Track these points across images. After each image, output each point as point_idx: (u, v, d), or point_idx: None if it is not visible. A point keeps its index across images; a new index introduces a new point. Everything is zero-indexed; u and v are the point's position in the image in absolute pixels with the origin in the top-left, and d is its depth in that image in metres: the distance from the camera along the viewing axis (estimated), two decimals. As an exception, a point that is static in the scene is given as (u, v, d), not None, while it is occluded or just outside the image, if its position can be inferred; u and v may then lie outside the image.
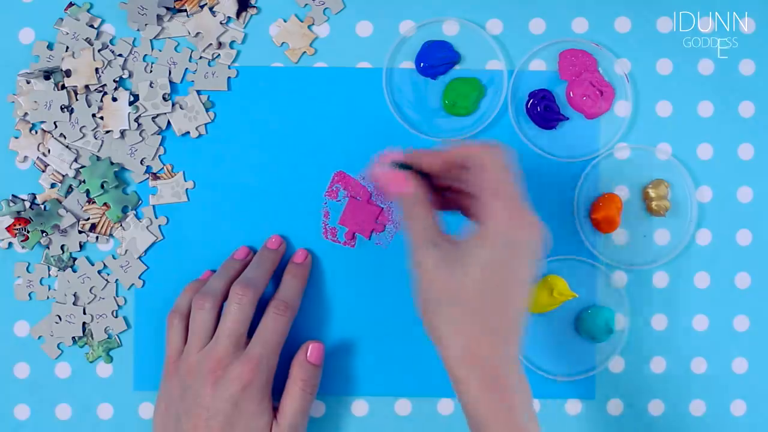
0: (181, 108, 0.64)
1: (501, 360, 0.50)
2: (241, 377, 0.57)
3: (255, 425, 0.58)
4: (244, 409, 0.57)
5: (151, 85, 0.64)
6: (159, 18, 0.64)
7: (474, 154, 0.52)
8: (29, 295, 0.64)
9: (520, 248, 0.50)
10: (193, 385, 0.58)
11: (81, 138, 0.63)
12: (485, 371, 0.50)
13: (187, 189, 0.64)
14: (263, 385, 0.58)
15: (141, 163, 0.64)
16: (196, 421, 0.57)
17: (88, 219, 0.64)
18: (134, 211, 0.64)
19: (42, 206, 0.64)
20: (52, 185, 0.64)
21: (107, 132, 0.64)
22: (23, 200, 0.64)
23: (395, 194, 0.53)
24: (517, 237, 0.50)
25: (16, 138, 0.64)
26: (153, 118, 0.64)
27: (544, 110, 0.64)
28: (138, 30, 0.64)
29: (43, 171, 0.64)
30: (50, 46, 0.64)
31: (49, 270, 0.64)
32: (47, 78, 0.63)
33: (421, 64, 0.64)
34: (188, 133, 0.64)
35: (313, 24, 0.64)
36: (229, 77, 0.64)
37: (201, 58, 0.64)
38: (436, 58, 0.64)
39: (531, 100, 0.64)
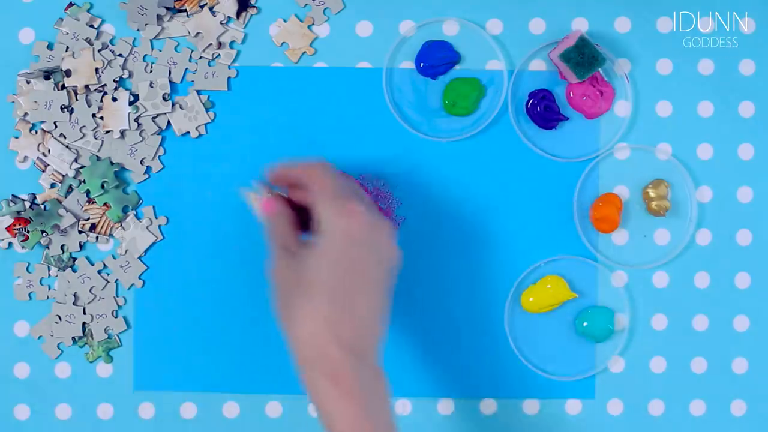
0: (181, 108, 0.64)
1: (344, 352, 0.51)
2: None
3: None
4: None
5: (151, 85, 0.64)
6: (159, 18, 0.64)
7: (301, 174, 0.56)
8: (29, 295, 0.64)
9: (353, 239, 0.53)
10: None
11: (81, 138, 0.63)
12: (327, 363, 0.51)
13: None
14: None
15: (141, 163, 0.64)
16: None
17: (88, 219, 0.64)
18: (134, 211, 0.64)
19: (42, 206, 0.64)
20: (52, 185, 0.64)
21: (107, 132, 0.64)
22: (23, 200, 0.64)
23: (264, 215, 0.58)
24: (347, 228, 0.53)
25: (16, 138, 0.64)
26: (153, 118, 0.64)
27: (544, 110, 0.64)
28: (138, 30, 0.64)
29: (43, 171, 0.64)
30: (50, 46, 0.64)
31: (49, 270, 0.64)
32: (47, 78, 0.63)
33: (421, 64, 0.64)
34: (188, 133, 0.64)
35: (313, 24, 0.64)
36: (229, 77, 0.64)
37: (201, 58, 0.64)
38: (436, 58, 0.64)
39: (531, 100, 0.64)
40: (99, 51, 0.64)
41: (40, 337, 0.64)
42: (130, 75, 0.64)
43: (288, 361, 0.63)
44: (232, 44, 0.64)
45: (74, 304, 0.64)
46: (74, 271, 0.64)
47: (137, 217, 0.64)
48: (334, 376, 0.51)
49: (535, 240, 0.64)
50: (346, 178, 0.57)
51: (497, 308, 0.64)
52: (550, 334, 0.65)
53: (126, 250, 0.64)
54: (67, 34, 0.64)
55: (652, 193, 0.64)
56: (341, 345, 0.51)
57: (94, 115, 0.63)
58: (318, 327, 0.51)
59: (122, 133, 0.64)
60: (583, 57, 0.61)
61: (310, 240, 0.54)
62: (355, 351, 0.51)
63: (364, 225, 0.53)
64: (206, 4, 0.64)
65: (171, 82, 0.64)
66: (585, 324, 0.64)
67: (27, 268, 0.64)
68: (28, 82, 0.63)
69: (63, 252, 0.64)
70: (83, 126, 0.63)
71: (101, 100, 0.63)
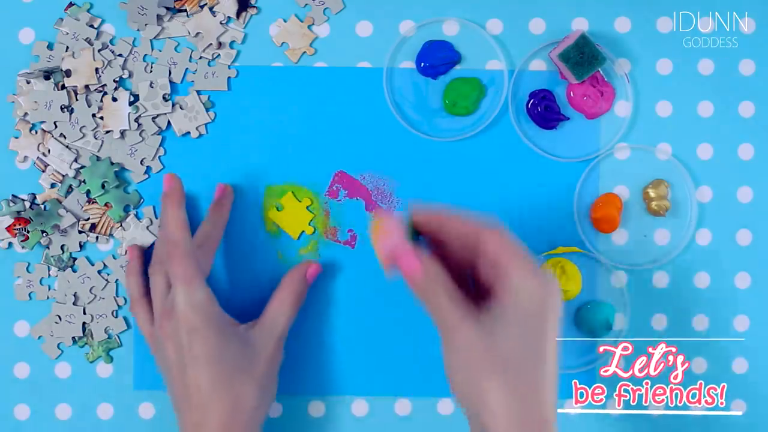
0: (181, 108, 0.64)
1: (536, 419, 0.49)
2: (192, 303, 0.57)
3: (232, 330, 0.58)
4: (214, 327, 0.57)
5: (151, 85, 0.64)
6: (159, 18, 0.64)
7: (484, 235, 0.52)
8: (29, 295, 0.64)
9: (546, 306, 0.50)
10: (174, 338, 0.57)
11: (81, 138, 0.63)
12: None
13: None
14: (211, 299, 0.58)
15: (141, 163, 0.64)
16: (195, 364, 0.57)
17: (88, 219, 0.64)
18: (135, 211, 0.64)
19: (42, 206, 0.64)
20: (52, 185, 0.64)
21: (107, 132, 0.64)
22: (23, 200, 0.64)
23: (408, 275, 0.52)
24: (543, 296, 0.50)
25: (16, 138, 0.64)
26: (153, 118, 0.64)
27: (544, 110, 0.64)
28: (138, 30, 0.64)
29: (43, 171, 0.64)
30: (50, 46, 0.64)
31: (49, 270, 0.64)
32: (47, 78, 0.63)
33: (422, 63, 0.64)
34: (188, 133, 0.64)
35: (313, 24, 0.64)
36: (229, 77, 0.64)
37: (201, 58, 0.64)
38: (436, 58, 0.64)
39: (531, 100, 0.64)
40: (99, 51, 0.64)
41: (40, 337, 0.64)
42: (130, 75, 0.64)
43: (287, 361, 0.63)
44: (232, 44, 0.64)
45: (74, 304, 0.64)
46: (74, 271, 0.64)
47: (137, 217, 0.64)
48: None
49: (535, 240, 0.64)
50: None
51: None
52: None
53: (126, 250, 0.64)
54: (67, 34, 0.64)
55: (652, 193, 0.64)
56: (530, 414, 0.49)
57: (94, 115, 0.63)
58: (517, 403, 0.49)
59: (122, 133, 0.64)
60: (583, 56, 0.61)
61: (488, 305, 0.51)
62: (539, 419, 0.50)
63: (556, 296, 0.51)
64: (206, 4, 0.64)
65: (171, 82, 0.64)
66: (585, 319, 0.64)
67: (27, 268, 0.64)
68: (28, 82, 0.63)
69: (63, 252, 0.64)
70: (83, 126, 0.63)
71: (101, 100, 0.63)
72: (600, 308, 0.64)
